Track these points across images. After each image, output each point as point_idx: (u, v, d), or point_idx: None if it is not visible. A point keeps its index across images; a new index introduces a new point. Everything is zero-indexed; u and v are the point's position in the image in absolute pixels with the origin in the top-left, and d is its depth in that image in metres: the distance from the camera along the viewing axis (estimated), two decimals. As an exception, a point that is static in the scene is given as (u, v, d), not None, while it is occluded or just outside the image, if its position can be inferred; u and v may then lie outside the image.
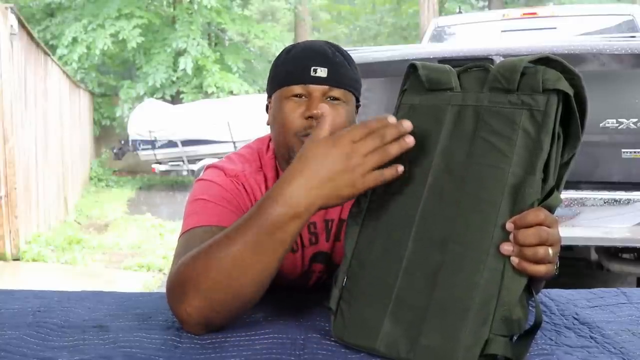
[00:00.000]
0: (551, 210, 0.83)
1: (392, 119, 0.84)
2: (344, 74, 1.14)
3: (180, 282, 0.91)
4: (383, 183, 0.85)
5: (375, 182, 0.84)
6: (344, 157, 0.83)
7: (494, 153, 0.85)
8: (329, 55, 1.14)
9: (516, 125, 0.85)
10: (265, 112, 1.24)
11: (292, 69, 1.14)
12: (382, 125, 0.84)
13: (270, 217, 0.84)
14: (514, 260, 0.80)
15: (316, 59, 1.13)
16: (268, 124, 1.21)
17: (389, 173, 0.85)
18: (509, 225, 0.80)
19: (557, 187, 0.84)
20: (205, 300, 0.89)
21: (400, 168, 0.85)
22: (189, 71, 12.45)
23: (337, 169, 0.83)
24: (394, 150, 0.84)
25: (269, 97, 1.21)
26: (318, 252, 1.21)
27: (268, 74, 1.22)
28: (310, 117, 1.11)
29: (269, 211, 0.84)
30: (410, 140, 0.84)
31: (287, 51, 1.19)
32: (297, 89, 1.13)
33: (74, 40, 12.36)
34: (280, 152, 1.18)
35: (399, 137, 0.84)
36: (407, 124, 0.84)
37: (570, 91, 0.84)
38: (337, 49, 1.17)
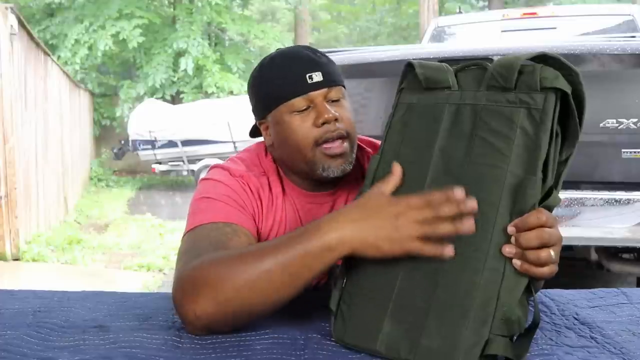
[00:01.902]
0: (550, 209, 0.83)
1: (458, 194, 0.81)
2: (333, 71, 1.13)
3: (194, 284, 0.90)
4: (423, 254, 0.83)
5: (415, 250, 0.83)
6: (394, 215, 0.84)
7: (492, 152, 0.85)
8: (314, 58, 1.12)
9: (514, 124, 0.85)
10: (252, 135, 1.22)
11: (286, 83, 1.11)
12: (442, 200, 0.82)
13: (306, 242, 0.87)
14: (517, 262, 0.80)
15: (307, 66, 1.11)
16: (270, 145, 1.17)
17: (431, 249, 0.83)
18: (511, 229, 0.80)
19: (555, 186, 0.84)
20: (219, 307, 0.89)
21: (448, 251, 0.82)
22: (190, 71, 12.44)
23: (383, 223, 0.85)
24: (444, 229, 0.82)
25: (262, 118, 1.16)
26: None
27: (251, 97, 1.17)
28: (324, 122, 1.08)
29: (306, 236, 0.88)
30: (467, 227, 0.81)
31: (268, 67, 1.14)
32: (299, 101, 1.10)
33: (76, 42, 12.36)
34: (299, 168, 1.14)
35: (458, 216, 0.81)
36: (472, 203, 0.81)
37: (568, 89, 0.84)
38: (314, 50, 1.16)
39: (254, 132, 1.24)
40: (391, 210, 0.85)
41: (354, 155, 1.13)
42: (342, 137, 1.10)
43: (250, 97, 1.20)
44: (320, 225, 0.88)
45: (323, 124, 1.09)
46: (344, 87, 1.16)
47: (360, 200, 0.89)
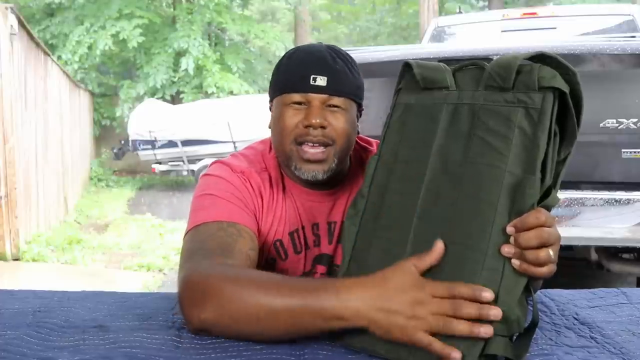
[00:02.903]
0: (548, 209, 0.83)
1: (486, 295, 0.77)
2: (344, 81, 1.13)
3: (204, 291, 0.90)
4: (429, 350, 0.79)
5: (423, 343, 0.79)
6: (414, 302, 0.80)
7: (490, 152, 0.85)
8: (329, 62, 1.12)
9: (512, 123, 0.85)
10: (270, 111, 1.24)
11: (292, 77, 1.13)
12: (467, 295, 0.78)
13: (320, 301, 0.83)
14: (516, 262, 0.80)
15: (316, 67, 1.12)
16: (269, 127, 1.21)
17: (438, 347, 0.78)
18: (510, 229, 0.80)
19: (553, 185, 0.84)
20: (223, 321, 0.89)
21: (455, 355, 0.77)
22: (191, 71, 12.44)
23: (401, 308, 0.80)
24: (459, 329, 0.77)
25: (271, 100, 1.21)
26: (321, 254, 1.22)
27: (271, 76, 1.21)
28: (309, 125, 1.11)
29: (323, 296, 0.84)
30: (484, 332, 0.76)
31: (288, 56, 1.18)
32: (297, 97, 1.12)
33: (77, 43, 12.37)
34: (280, 158, 1.18)
35: (477, 319, 0.77)
36: (495, 313, 0.77)
37: (566, 88, 0.84)
38: (338, 54, 1.15)
39: None
40: (413, 296, 0.80)
41: (335, 165, 1.13)
42: (324, 144, 1.11)
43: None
44: (339, 290, 0.83)
45: (307, 126, 1.10)
46: (355, 101, 1.15)
47: (387, 273, 0.83)
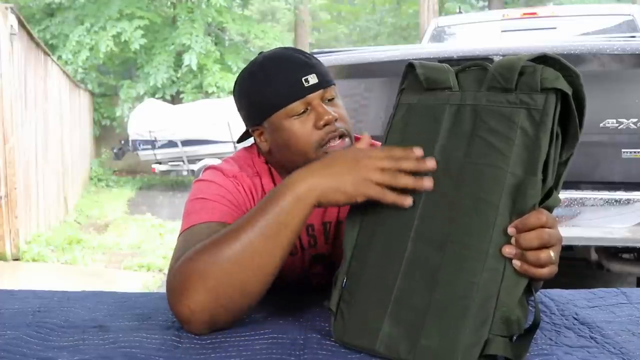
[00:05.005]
0: (550, 210, 0.83)
1: (418, 152, 0.88)
2: (326, 71, 1.14)
3: (183, 278, 0.91)
4: (381, 200, 0.88)
5: (375, 194, 0.87)
6: (355, 158, 0.89)
7: (492, 152, 0.85)
8: (307, 60, 1.13)
9: (514, 124, 0.85)
10: (240, 141, 1.24)
11: (282, 87, 1.10)
12: (404, 155, 0.88)
13: (276, 201, 0.90)
14: (516, 263, 0.80)
15: (301, 69, 1.11)
16: (267, 152, 1.17)
17: (392, 197, 0.87)
18: (511, 230, 0.80)
19: (555, 187, 0.84)
20: (210, 293, 0.89)
21: (408, 201, 0.86)
22: (194, 67, 12.40)
23: (346, 168, 0.89)
24: (403, 181, 0.87)
25: (256, 124, 1.16)
26: (317, 254, 1.22)
27: (242, 104, 1.16)
28: (326, 124, 1.10)
29: (276, 196, 0.91)
30: (426, 184, 0.86)
31: (259, 73, 1.13)
32: (297, 106, 1.10)
33: (78, 43, 12.36)
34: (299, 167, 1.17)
35: (416, 172, 0.87)
36: (431, 163, 0.86)
37: (569, 90, 0.84)
38: (302, 51, 1.16)
39: (243, 138, 1.25)
40: (353, 156, 0.90)
41: None
42: (342, 136, 1.12)
43: (239, 105, 1.18)
44: (287, 182, 0.91)
45: (324, 125, 1.10)
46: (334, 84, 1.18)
47: (328, 155, 0.95)
